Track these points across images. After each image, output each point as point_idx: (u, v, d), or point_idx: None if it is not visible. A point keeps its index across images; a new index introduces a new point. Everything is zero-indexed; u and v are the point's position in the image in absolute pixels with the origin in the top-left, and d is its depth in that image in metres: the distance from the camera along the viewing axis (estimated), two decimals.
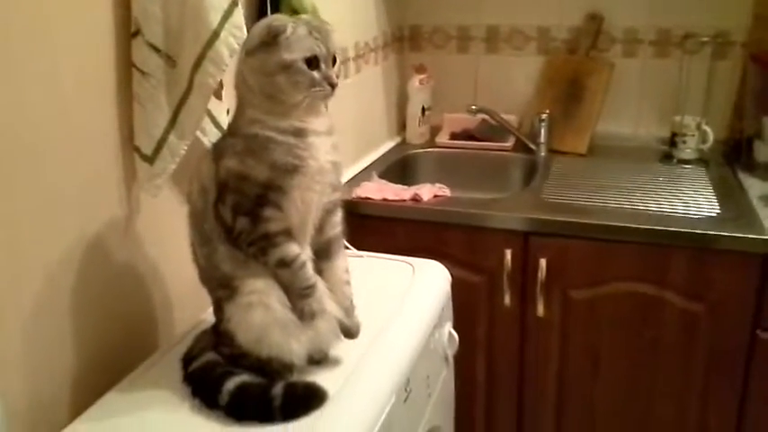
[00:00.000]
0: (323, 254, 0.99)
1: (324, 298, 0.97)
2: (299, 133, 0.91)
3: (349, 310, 1.01)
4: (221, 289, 0.95)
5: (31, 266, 0.95)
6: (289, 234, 0.93)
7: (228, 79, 1.08)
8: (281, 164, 0.90)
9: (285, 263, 0.93)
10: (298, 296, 0.94)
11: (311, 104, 0.92)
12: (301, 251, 0.94)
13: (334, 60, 0.93)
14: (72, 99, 0.99)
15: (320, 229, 0.98)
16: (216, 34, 1.03)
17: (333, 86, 0.92)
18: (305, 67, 0.89)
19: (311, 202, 0.94)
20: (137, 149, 1.09)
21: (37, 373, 0.97)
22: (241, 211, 0.91)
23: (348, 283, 1.01)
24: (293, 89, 0.90)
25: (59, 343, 1.01)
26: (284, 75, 0.89)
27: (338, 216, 1.01)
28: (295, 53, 0.89)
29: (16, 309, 0.93)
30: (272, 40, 0.89)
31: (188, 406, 0.94)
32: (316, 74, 0.90)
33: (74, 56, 0.99)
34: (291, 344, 0.94)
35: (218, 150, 0.95)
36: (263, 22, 0.91)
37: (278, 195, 0.91)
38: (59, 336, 1.01)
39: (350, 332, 1.01)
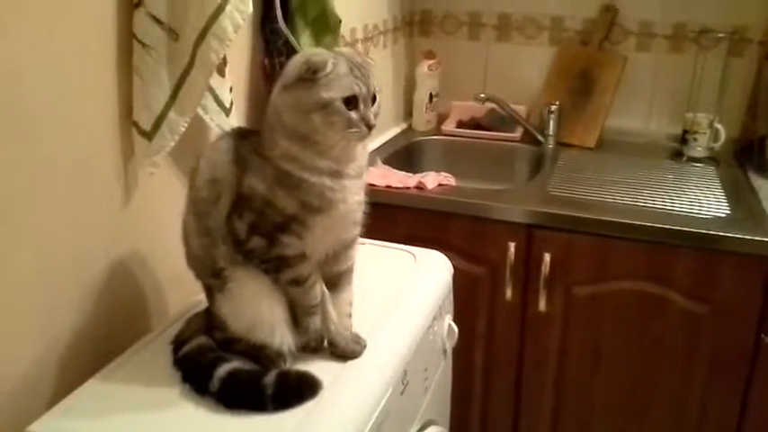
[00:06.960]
0: (331, 285, 0.98)
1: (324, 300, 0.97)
2: (335, 175, 0.88)
3: (348, 339, 0.99)
4: (213, 278, 0.93)
5: (21, 240, 0.92)
6: (304, 257, 0.92)
7: (232, 56, 1.05)
8: (311, 204, 0.88)
9: (298, 282, 0.93)
10: (304, 313, 0.94)
11: (347, 146, 0.88)
12: (312, 270, 0.94)
13: (374, 98, 0.88)
14: (69, 70, 0.96)
15: (335, 261, 0.97)
16: (221, 8, 1.01)
17: (370, 128, 0.87)
18: (343, 107, 0.84)
19: (330, 237, 0.93)
20: (135, 125, 1.07)
21: (24, 349, 0.95)
22: (258, 232, 0.89)
23: (350, 315, 1.00)
24: (328, 129, 0.85)
25: (49, 320, 0.99)
26: (321, 114, 0.84)
27: (354, 250, 0.99)
28: (333, 92, 0.84)
29: (4, 284, 0.91)
30: (310, 76, 0.84)
31: (178, 391, 0.92)
32: (353, 114, 0.85)
33: (72, 25, 0.96)
34: (283, 333, 0.93)
35: (242, 160, 0.89)
36: (302, 57, 0.86)
37: (300, 227, 0.89)
38: (49, 313, 0.99)
39: (354, 354, 0.99)
